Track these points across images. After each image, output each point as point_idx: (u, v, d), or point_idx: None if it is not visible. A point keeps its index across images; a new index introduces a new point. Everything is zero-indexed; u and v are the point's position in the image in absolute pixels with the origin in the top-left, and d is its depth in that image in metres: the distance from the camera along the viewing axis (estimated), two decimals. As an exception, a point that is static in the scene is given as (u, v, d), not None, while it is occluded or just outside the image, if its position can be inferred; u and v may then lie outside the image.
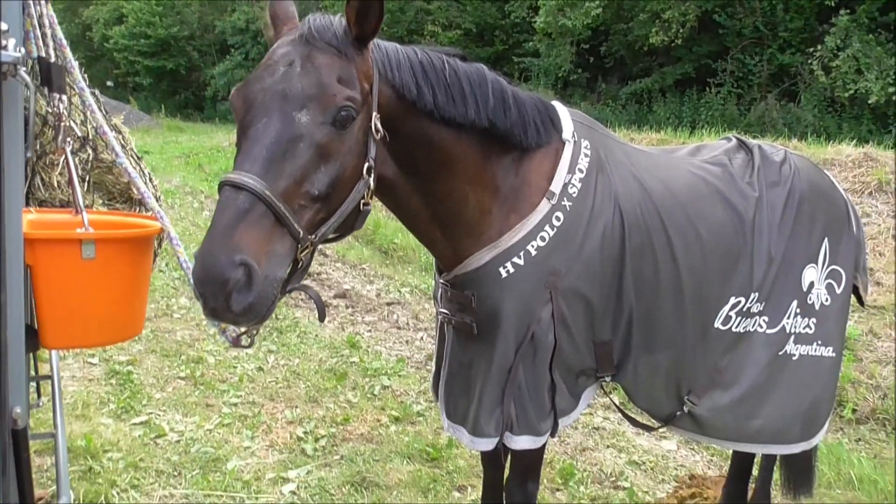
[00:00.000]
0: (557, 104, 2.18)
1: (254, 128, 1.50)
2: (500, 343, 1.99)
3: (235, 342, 1.73)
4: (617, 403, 2.60)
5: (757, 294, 2.23)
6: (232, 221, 1.40)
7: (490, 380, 2.03)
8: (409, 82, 1.74)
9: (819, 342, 2.34)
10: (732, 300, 2.21)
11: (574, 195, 2.00)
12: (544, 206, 1.98)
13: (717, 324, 2.22)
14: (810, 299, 2.31)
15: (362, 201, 1.65)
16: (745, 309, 2.23)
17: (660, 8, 16.50)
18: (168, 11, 32.56)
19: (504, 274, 1.95)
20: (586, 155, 2.07)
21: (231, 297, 1.38)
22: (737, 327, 2.24)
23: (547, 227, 1.96)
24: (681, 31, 16.31)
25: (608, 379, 2.23)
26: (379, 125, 1.65)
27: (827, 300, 2.35)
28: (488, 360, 2.02)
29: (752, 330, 2.26)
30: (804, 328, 2.31)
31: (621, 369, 2.19)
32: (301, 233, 1.49)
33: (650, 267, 2.10)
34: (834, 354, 2.39)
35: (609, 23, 18.79)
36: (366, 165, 1.63)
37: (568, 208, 1.99)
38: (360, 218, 1.69)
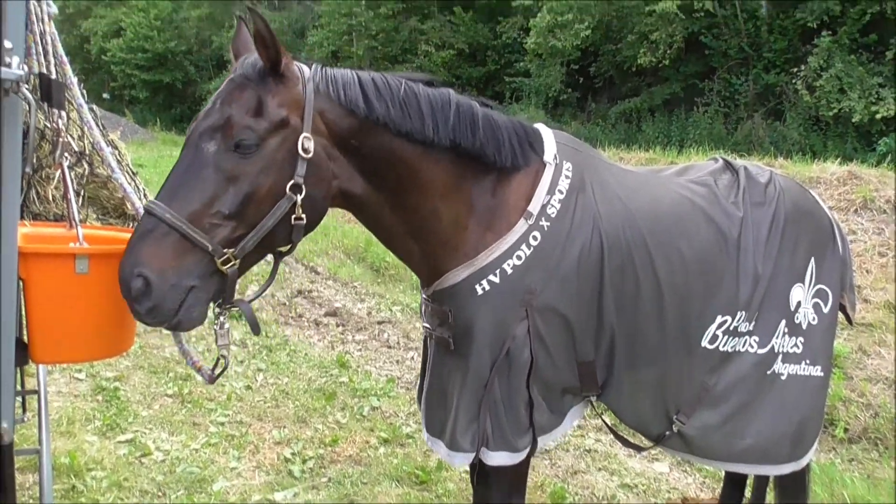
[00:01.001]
0: (542, 127, 2.24)
1: (177, 162, 1.72)
2: (475, 358, 2.03)
3: (211, 379, 1.88)
4: (609, 424, 2.60)
5: (744, 313, 2.24)
6: (136, 240, 1.63)
7: (466, 394, 2.06)
8: (356, 98, 1.84)
9: (807, 361, 2.35)
10: (719, 319, 2.22)
11: (552, 215, 2.05)
12: (521, 226, 2.03)
13: (704, 343, 2.23)
14: (797, 318, 2.33)
15: (293, 216, 1.76)
16: (731, 328, 2.24)
17: (647, 29, 16.78)
18: (166, 26, 32.66)
19: (480, 291, 2.01)
20: (567, 176, 2.12)
21: (135, 302, 1.61)
22: (724, 346, 2.25)
23: (523, 247, 2.02)
24: (668, 51, 16.59)
25: (594, 398, 2.25)
26: (308, 145, 1.75)
27: (814, 319, 2.37)
28: (464, 375, 2.06)
29: (741, 350, 2.27)
30: (792, 347, 2.32)
31: (606, 388, 2.21)
32: (211, 247, 1.64)
33: (631, 285, 2.12)
34: (822, 374, 2.40)
35: (598, 44, 19.07)
36: (290, 183, 1.74)
37: (546, 228, 2.04)
38: (294, 231, 1.79)
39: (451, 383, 2.12)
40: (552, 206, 2.06)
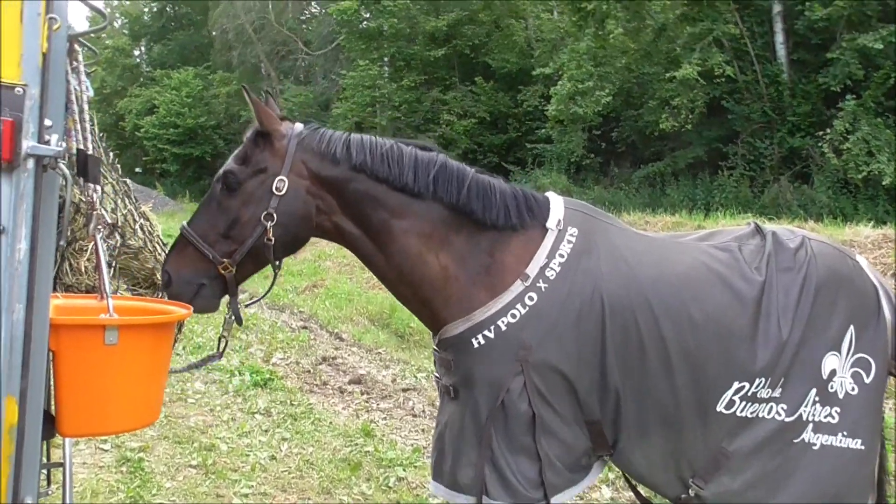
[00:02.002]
0: (552, 195, 2.41)
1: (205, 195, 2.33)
2: (471, 406, 2.18)
3: (219, 356, 2.39)
4: (631, 482, 2.54)
5: (763, 380, 2.18)
6: (170, 249, 2.29)
7: (465, 438, 2.20)
8: (336, 150, 2.24)
9: (844, 433, 2.25)
10: (736, 384, 2.18)
11: (551, 277, 2.18)
12: (517, 287, 2.18)
13: (720, 407, 2.19)
14: (832, 387, 2.24)
15: (265, 237, 2.21)
16: (750, 394, 2.19)
17: (668, 95, 16.97)
18: (197, 102, 33.99)
19: (476, 344, 2.17)
20: (570, 241, 2.24)
21: (163, 290, 2.28)
22: (742, 412, 2.20)
23: (518, 306, 2.15)
24: (690, 116, 16.70)
25: (606, 458, 2.29)
26: (281, 185, 2.20)
27: (853, 389, 2.27)
28: (461, 421, 2.21)
29: (762, 416, 2.21)
30: (825, 417, 2.23)
31: (617, 449, 2.23)
32: (211, 255, 2.19)
33: (635, 347, 2.16)
34: (863, 447, 2.27)
35: (619, 109, 19.34)
36: (264, 213, 2.20)
37: (543, 289, 2.17)
38: (266, 250, 2.24)
39: (452, 429, 2.26)
40: (551, 269, 2.19)
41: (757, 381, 2.18)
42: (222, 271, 2.21)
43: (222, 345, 2.37)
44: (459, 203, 2.24)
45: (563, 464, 2.19)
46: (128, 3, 43.03)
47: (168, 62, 39.05)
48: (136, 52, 44.00)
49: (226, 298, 2.31)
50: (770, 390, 2.20)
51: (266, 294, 2.49)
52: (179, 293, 2.19)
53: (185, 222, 2.27)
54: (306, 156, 2.25)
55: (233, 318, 2.32)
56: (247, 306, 2.27)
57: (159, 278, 2.37)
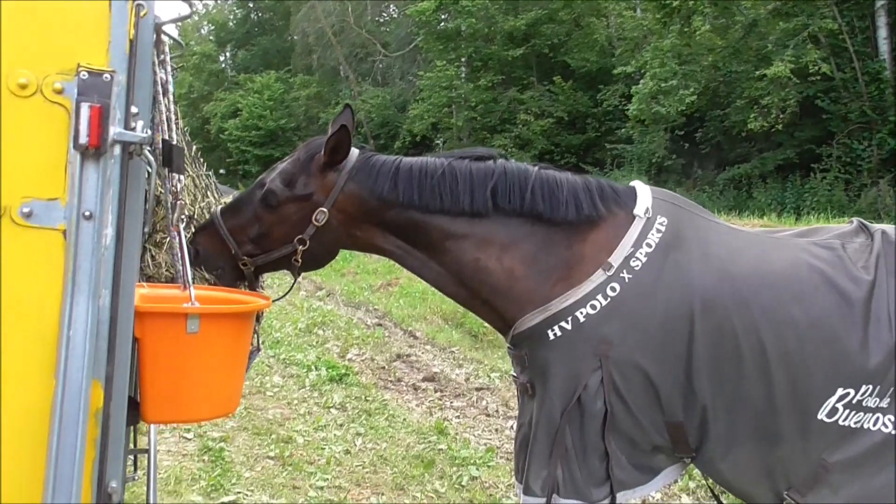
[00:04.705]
0: (638, 184, 2.29)
1: (245, 189, 2.36)
2: (546, 403, 2.09)
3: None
4: (714, 493, 2.42)
5: (871, 387, 2.01)
6: (199, 228, 2.28)
7: (539, 439, 2.11)
8: (386, 187, 2.20)
9: None
10: (840, 391, 2.02)
11: (637, 268, 2.06)
12: (598, 276, 2.07)
13: (821, 416, 2.02)
14: None
15: (293, 258, 2.25)
16: (855, 402, 2.02)
17: (758, 94, 16.27)
18: (278, 105, 35.17)
19: (552, 336, 2.08)
20: (659, 231, 2.12)
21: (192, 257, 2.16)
22: (844, 420, 2.03)
23: (599, 297, 2.05)
24: (781, 116, 15.95)
25: (687, 461, 2.16)
26: (321, 217, 2.21)
27: None
28: (538, 420, 2.12)
29: (867, 427, 2.04)
30: None
31: (702, 453, 2.11)
32: (235, 251, 2.22)
33: (730, 351, 2.02)
34: None
35: (704, 109, 18.68)
36: (297, 237, 2.23)
37: (627, 280, 2.05)
38: (292, 266, 2.29)
39: (529, 428, 2.18)
40: (637, 258, 2.08)
41: (863, 388, 2.02)
42: (241, 266, 2.25)
43: (256, 339, 2.32)
44: (525, 208, 2.18)
45: (631, 462, 2.10)
46: (214, 10, 44.89)
47: (251, 67, 40.53)
48: (222, 58, 45.82)
49: None
50: (878, 399, 2.03)
51: (285, 296, 2.48)
52: (202, 265, 2.24)
53: (219, 209, 2.29)
54: (353, 189, 2.22)
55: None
56: (274, 301, 2.26)
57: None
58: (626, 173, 18.91)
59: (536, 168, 2.26)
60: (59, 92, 1.28)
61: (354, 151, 2.28)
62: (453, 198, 2.18)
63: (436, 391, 6.37)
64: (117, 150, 1.30)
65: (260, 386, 6.20)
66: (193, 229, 2.26)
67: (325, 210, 2.21)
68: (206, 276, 2.25)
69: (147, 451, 2.45)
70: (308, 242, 2.22)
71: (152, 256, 2.07)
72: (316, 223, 2.21)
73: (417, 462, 4.62)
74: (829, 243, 2.24)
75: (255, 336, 2.17)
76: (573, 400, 2.04)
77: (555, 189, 2.19)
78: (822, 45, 15.94)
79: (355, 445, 4.91)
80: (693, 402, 2.06)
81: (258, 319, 2.54)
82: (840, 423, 2.03)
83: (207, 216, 2.31)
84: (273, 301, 2.21)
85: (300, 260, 2.25)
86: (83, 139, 1.26)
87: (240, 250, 2.23)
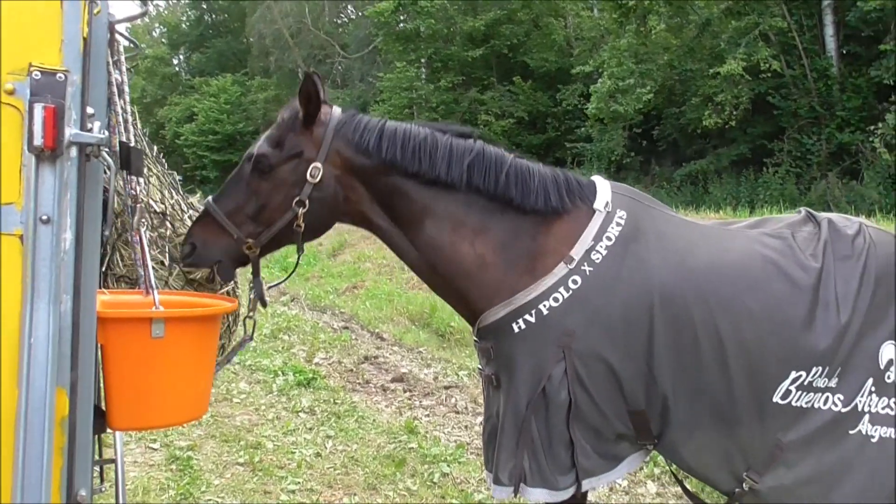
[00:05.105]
0: (598, 179, 2.33)
1: (232, 173, 2.27)
2: (512, 395, 2.13)
3: (249, 338, 2.31)
4: (678, 478, 2.47)
5: (821, 368, 2.10)
6: (194, 222, 2.24)
7: (506, 430, 2.14)
8: (369, 143, 2.19)
9: None
10: (793, 374, 2.10)
11: (597, 261, 2.12)
12: (560, 270, 2.12)
13: (776, 398, 2.11)
14: (889, 377, 2.14)
15: (294, 223, 2.19)
16: (806, 383, 2.11)
17: (712, 92, 16.62)
18: (235, 109, 34.58)
19: (516, 329, 2.11)
20: (619, 224, 2.17)
21: (183, 260, 2.21)
22: (797, 401, 2.11)
23: (561, 289, 2.10)
24: (734, 113, 16.33)
25: (650, 448, 2.22)
26: (316, 173, 2.17)
27: None
28: (504, 411, 2.15)
29: (817, 406, 2.13)
30: (882, 408, 2.13)
31: (664, 440, 2.17)
32: (237, 235, 2.17)
33: (688, 340, 2.08)
34: None
35: (661, 107, 19.02)
36: (296, 199, 2.17)
37: (588, 273, 2.10)
38: (294, 235, 2.22)
39: (496, 420, 2.22)
40: (597, 252, 2.13)
41: (814, 369, 2.11)
42: (245, 251, 2.20)
43: (249, 326, 2.32)
44: (497, 191, 2.20)
45: (596, 450, 2.16)
46: (166, 12, 44.01)
47: (207, 70, 39.78)
48: (175, 61, 44.93)
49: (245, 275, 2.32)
50: (826, 380, 2.12)
51: (287, 279, 2.46)
52: (200, 263, 2.20)
53: (210, 198, 2.24)
54: (341, 144, 2.22)
55: (258, 298, 2.28)
56: (269, 288, 2.25)
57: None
58: (586, 171, 19.10)
59: (512, 155, 2.30)
60: (11, 93, 1.25)
61: (337, 109, 2.28)
62: (431, 163, 2.19)
63: (405, 391, 6.36)
64: (74, 151, 1.27)
65: (227, 393, 6.11)
66: (171, 226, 2.23)
67: (318, 165, 2.18)
68: (191, 277, 2.23)
69: (113, 461, 2.40)
70: (307, 203, 2.18)
71: (122, 256, 2.04)
72: (312, 179, 2.17)
73: (388, 462, 4.61)
74: (780, 233, 2.32)
75: (250, 321, 2.27)
76: (538, 391, 2.08)
77: (527, 177, 2.23)
78: (772, 43, 16.36)
79: (325, 448, 4.88)
80: (654, 391, 2.11)
81: (234, 321, 2.52)
82: (793, 404, 2.11)
83: (180, 212, 2.29)
84: (274, 285, 2.28)
85: (302, 225, 2.19)
86: (38, 141, 1.23)
87: (241, 233, 2.18)
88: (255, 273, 2.25)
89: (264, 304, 2.28)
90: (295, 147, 2.20)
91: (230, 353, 2.29)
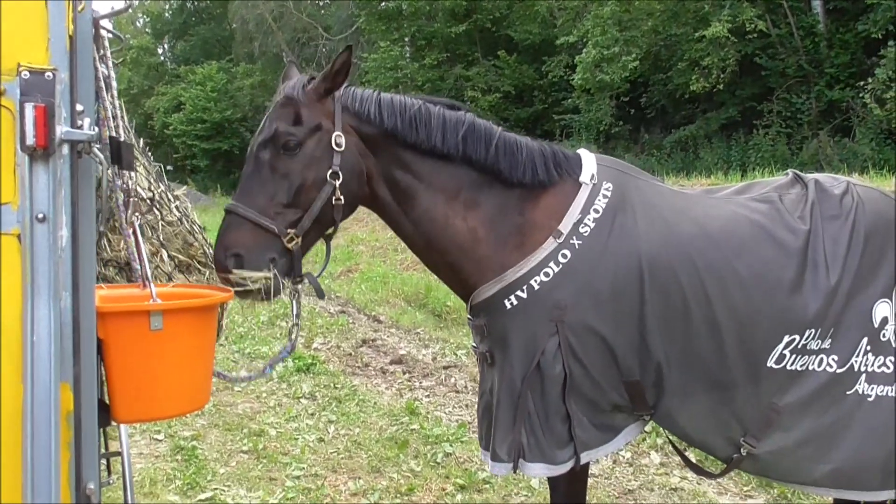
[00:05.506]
0: (584, 152, 2.35)
1: (244, 171, 2.16)
2: (507, 371, 2.14)
3: (292, 349, 2.26)
4: (678, 448, 2.50)
5: (814, 330, 2.13)
6: (223, 232, 2.08)
7: (502, 406, 2.16)
8: (371, 109, 2.19)
9: None
10: (786, 338, 2.13)
11: (585, 234, 2.13)
12: (550, 244, 2.13)
13: (770, 363, 2.13)
14: (884, 336, 2.17)
15: (333, 197, 2.12)
16: (800, 346, 2.14)
17: (698, 56, 16.53)
18: (222, 96, 34.20)
19: (508, 305, 2.13)
20: (605, 196, 2.19)
21: (235, 268, 2.03)
22: (792, 365, 2.14)
23: (551, 264, 2.11)
24: (721, 76, 16.27)
25: (647, 418, 2.25)
26: (340, 140, 2.13)
27: None
28: (500, 387, 2.17)
29: (812, 368, 2.15)
30: (878, 367, 2.16)
31: (660, 409, 2.19)
32: (277, 229, 2.04)
33: (678, 308, 2.11)
34: None
35: (647, 74, 18.92)
36: (329, 171, 2.11)
37: (577, 246, 2.12)
38: (335, 211, 2.14)
39: (491, 396, 2.23)
40: (585, 224, 2.14)
41: (807, 332, 2.13)
42: (288, 244, 2.07)
43: (293, 334, 2.23)
44: (488, 162, 2.21)
45: (592, 422, 2.17)
46: (148, 2, 43.40)
47: (191, 58, 39.33)
48: (160, 50, 44.41)
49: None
50: (820, 341, 2.14)
51: (325, 266, 2.33)
52: (251, 268, 2.04)
53: (232, 202, 2.10)
54: (348, 115, 2.21)
55: (299, 306, 2.19)
56: (317, 276, 2.19)
57: (211, 259, 2.29)
58: (574, 143, 19.06)
59: (500, 128, 2.31)
60: (2, 93, 1.26)
61: None
62: (428, 133, 2.19)
63: (404, 373, 6.41)
64: (66, 149, 1.28)
65: (227, 382, 6.14)
66: (158, 213, 2.19)
67: (339, 133, 2.14)
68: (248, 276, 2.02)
69: (119, 453, 2.42)
70: (341, 174, 2.12)
71: (108, 241, 2.04)
72: (338, 148, 2.13)
73: (391, 444, 4.66)
74: (767, 196, 2.34)
75: (295, 329, 2.20)
76: (532, 366, 2.10)
77: (514, 150, 2.24)
78: (757, 2, 16.25)
79: (328, 433, 4.93)
80: (648, 360, 2.14)
81: (221, 313, 2.52)
82: (788, 367, 2.14)
83: (167, 201, 2.25)
84: (320, 273, 2.22)
85: (341, 198, 2.12)
86: (30, 140, 1.24)
87: (281, 226, 2.07)
88: (299, 269, 2.13)
89: (321, 296, 2.23)
90: (314, 119, 2.15)
91: (273, 360, 2.25)
